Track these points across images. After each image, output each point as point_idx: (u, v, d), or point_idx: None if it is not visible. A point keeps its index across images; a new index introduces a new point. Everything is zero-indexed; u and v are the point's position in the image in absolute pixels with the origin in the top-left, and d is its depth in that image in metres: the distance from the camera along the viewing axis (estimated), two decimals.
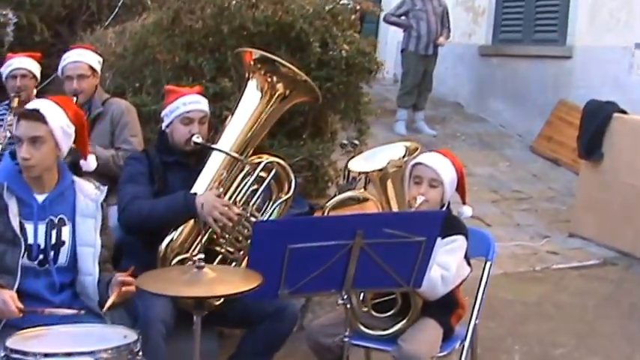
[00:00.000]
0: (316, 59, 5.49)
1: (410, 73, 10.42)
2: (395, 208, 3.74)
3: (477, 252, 4.12)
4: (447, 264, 3.75)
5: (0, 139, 4.99)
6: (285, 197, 4.26)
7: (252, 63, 4.31)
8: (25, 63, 5.30)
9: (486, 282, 4.13)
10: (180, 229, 4.11)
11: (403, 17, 10.40)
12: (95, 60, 5.10)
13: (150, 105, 5.41)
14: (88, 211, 3.61)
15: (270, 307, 4.08)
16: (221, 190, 4.11)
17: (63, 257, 3.57)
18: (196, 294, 3.02)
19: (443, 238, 3.75)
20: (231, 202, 4.11)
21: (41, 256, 3.53)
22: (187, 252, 4.13)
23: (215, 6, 5.34)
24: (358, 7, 5.71)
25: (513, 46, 11.01)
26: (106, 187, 3.75)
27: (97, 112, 5.03)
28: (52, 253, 3.55)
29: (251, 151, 4.31)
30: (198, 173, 4.21)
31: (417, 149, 3.88)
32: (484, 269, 4.14)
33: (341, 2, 5.67)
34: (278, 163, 4.29)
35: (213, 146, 4.16)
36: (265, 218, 4.16)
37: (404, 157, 3.77)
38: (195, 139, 4.16)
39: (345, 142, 5.76)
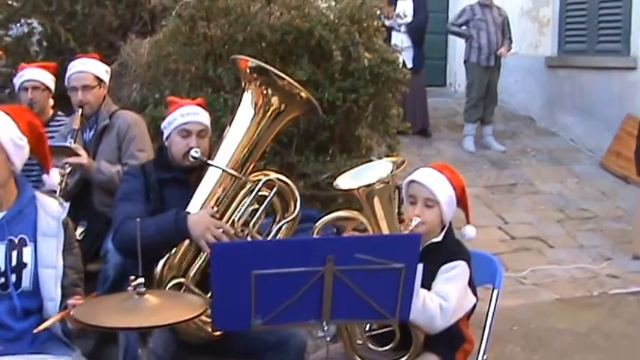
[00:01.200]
0: (339, 69, 5.15)
1: (474, 86, 9.99)
2: (385, 230, 3.37)
3: (482, 279, 3.72)
4: (445, 293, 3.36)
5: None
6: (290, 217, 3.94)
7: (247, 72, 4.00)
8: (37, 74, 5.11)
9: (493, 313, 3.72)
10: (175, 250, 3.83)
11: (464, 27, 9.97)
12: (101, 69, 4.88)
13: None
14: (49, 230, 3.37)
15: (273, 338, 3.80)
16: (215, 209, 3.81)
17: (26, 281, 3.34)
18: (130, 324, 2.73)
19: (442, 264, 3.42)
20: (229, 222, 3.82)
21: (2, 279, 3.30)
22: (184, 276, 3.85)
23: (229, 13, 5.05)
24: (378, 12, 5.33)
25: (578, 57, 10.45)
26: (68, 204, 3.50)
27: (104, 125, 4.82)
28: (13, 276, 3.31)
29: (251, 167, 3.99)
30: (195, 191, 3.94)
31: (404, 163, 3.50)
32: (491, 298, 3.73)
33: (363, 8, 5.30)
34: (281, 180, 3.97)
35: (210, 162, 3.87)
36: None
37: (392, 171, 3.40)
38: (193, 153, 3.89)
39: (373, 158, 5.40)
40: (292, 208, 3.97)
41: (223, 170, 3.85)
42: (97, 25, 8.04)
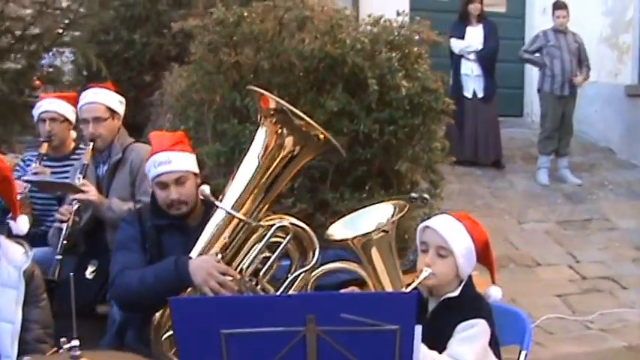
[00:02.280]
0: (376, 99, 4.73)
1: (548, 116, 9.39)
2: (387, 285, 2.94)
3: (509, 338, 3.25)
4: (460, 356, 2.92)
5: (19, 188, 4.54)
6: (308, 266, 3.55)
7: (263, 106, 3.63)
8: (55, 105, 4.85)
9: None
10: None
11: (537, 54, 9.41)
12: (114, 100, 4.58)
13: None
14: (9, 281, 3.09)
15: None
16: (220, 256, 3.45)
17: None
18: None
19: (458, 322, 2.96)
20: (237, 270, 3.46)
21: None
22: None
23: (254, 39, 4.70)
24: (417, 38, 4.89)
25: None
26: (32, 253, 3.17)
27: (116, 159, 4.53)
28: None
29: (263, 210, 3.62)
30: (199, 236, 3.59)
31: (405, 207, 3.06)
32: (518, 357, 3.24)
33: (402, 33, 4.87)
34: (297, 225, 3.58)
35: (217, 203, 3.49)
36: (280, 292, 3.46)
37: (392, 217, 2.97)
38: (202, 190, 3.50)
39: (414, 195, 4.94)
40: (310, 256, 3.58)
41: (228, 213, 3.49)
42: (155, 54, 7.93)
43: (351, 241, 2.90)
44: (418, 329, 2.62)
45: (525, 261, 7.43)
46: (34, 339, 3.10)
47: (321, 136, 3.54)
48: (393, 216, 2.98)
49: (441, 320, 3.05)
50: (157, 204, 3.70)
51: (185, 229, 3.67)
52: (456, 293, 3.07)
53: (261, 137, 3.59)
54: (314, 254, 3.58)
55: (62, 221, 4.21)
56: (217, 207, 3.50)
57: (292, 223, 3.58)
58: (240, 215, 3.49)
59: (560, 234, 8.22)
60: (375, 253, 2.89)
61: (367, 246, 2.90)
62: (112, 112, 4.56)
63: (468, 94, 9.45)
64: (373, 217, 3.00)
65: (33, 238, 4.52)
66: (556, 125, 9.32)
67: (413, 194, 4.94)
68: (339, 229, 3.02)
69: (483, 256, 3.14)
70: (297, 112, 3.54)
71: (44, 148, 4.80)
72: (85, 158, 4.46)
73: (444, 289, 3.08)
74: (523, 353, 3.25)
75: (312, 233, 3.62)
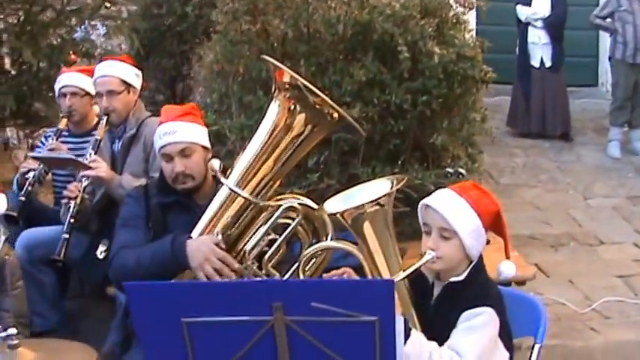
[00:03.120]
0: (408, 67, 4.41)
1: (619, 85, 8.85)
2: (382, 267, 2.64)
3: (522, 329, 2.91)
4: (461, 348, 2.61)
5: (32, 165, 4.39)
6: (312, 248, 3.25)
7: (277, 78, 3.34)
8: (75, 79, 4.66)
9: None
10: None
11: (609, 20, 8.86)
12: (129, 73, 4.36)
13: (213, 124, 4.56)
14: None
15: None
16: (220, 237, 3.19)
17: None
18: None
19: (464, 310, 2.65)
20: (240, 253, 3.21)
21: None
22: None
23: (278, 7, 4.42)
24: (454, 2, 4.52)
25: None
26: (2, 238, 2.99)
27: (130, 134, 4.32)
28: None
29: (273, 188, 3.33)
30: None
31: (403, 180, 2.75)
32: (531, 355, 2.90)
33: None
34: (307, 205, 3.28)
35: (223, 180, 3.22)
36: (286, 278, 3.14)
37: (387, 192, 2.64)
38: (212, 165, 3.24)
39: (449, 170, 4.61)
40: (324, 239, 3.31)
41: (232, 190, 3.23)
42: (207, 26, 7.76)
43: (341, 214, 2.60)
44: (400, 321, 2.33)
45: (588, 239, 6.95)
46: (4, 328, 2.92)
47: (336, 115, 3.25)
48: (391, 188, 2.65)
49: (444, 307, 2.76)
50: (165, 180, 3.47)
51: (192, 208, 3.43)
52: (462, 277, 2.76)
53: (273, 112, 3.31)
54: (327, 238, 3.32)
55: (70, 198, 4.04)
56: (223, 184, 3.25)
57: (302, 204, 3.28)
58: (244, 193, 3.22)
59: (629, 210, 7.69)
60: (367, 228, 2.58)
61: (359, 220, 2.58)
62: (127, 86, 4.35)
63: (536, 63, 8.99)
64: (371, 192, 2.70)
65: (55, 217, 4.41)
66: (628, 95, 8.78)
67: (448, 169, 4.62)
68: (334, 204, 2.74)
69: (494, 228, 2.82)
70: (313, 88, 3.24)
71: (62, 124, 4.63)
72: (99, 133, 4.28)
73: (452, 273, 2.78)
74: (537, 346, 2.90)
75: (325, 214, 3.35)
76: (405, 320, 2.59)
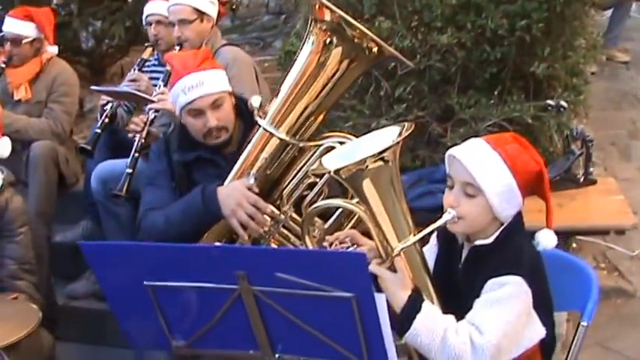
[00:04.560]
0: None
1: None
2: (388, 230, 2.24)
3: (567, 301, 2.45)
4: (482, 323, 2.21)
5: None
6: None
7: (314, 10, 2.97)
8: (160, 7, 4.40)
9: (574, 353, 2.42)
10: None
11: None
12: (203, 1, 4.08)
13: None
14: None
15: None
16: (252, 180, 2.90)
17: None
18: None
19: (489, 278, 2.24)
20: (277, 198, 2.94)
21: None
22: None
23: None
24: None
25: None
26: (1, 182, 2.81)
27: None
28: None
29: (313, 127, 3.01)
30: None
31: (411, 127, 2.30)
32: (574, 336, 2.44)
33: None
34: None
35: (260, 122, 2.91)
36: (327, 227, 2.80)
37: (392, 144, 2.20)
38: (253, 102, 2.94)
39: (550, 102, 4.05)
40: None
41: (265, 130, 2.93)
42: None
43: (335, 172, 2.21)
44: (381, 299, 1.97)
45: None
46: (8, 275, 2.80)
47: (375, 49, 2.85)
48: (396, 139, 2.22)
49: (470, 273, 2.35)
50: (186, 136, 3.16)
51: (218, 161, 3.11)
52: (489, 241, 2.33)
53: (308, 46, 2.96)
54: None
55: (136, 132, 3.85)
56: (257, 124, 2.95)
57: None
58: (279, 133, 2.91)
59: None
60: (368, 188, 2.18)
61: (357, 179, 2.18)
62: (200, 14, 4.09)
63: None
64: (375, 144, 2.29)
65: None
66: None
67: (549, 101, 4.07)
68: (334, 159, 2.35)
69: (535, 191, 2.37)
70: (351, 20, 2.86)
71: (146, 54, 4.45)
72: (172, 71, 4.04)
73: (479, 235, 2.36)
74: (583, 325, 2.43)
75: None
76: (413, 295, 2.24)
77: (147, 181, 3.23)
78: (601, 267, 4.68)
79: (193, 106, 3.06)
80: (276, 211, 2.89)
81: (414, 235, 2.27)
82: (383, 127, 4.05)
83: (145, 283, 2.05)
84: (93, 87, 4.43)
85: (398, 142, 2.23)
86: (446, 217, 2.30)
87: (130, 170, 3.73)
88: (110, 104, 4.16)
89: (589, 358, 3.74)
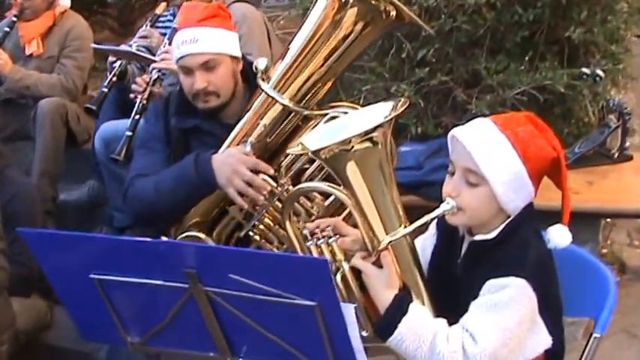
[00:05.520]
0: None
1: None
2: (375, 221, 1.89)
3: (579, 308, 2.09)
4: (476, 329, 1.88)
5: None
6: None
7: None
8: None
9: None
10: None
11: None
12: None
13: None
14: None
15: None
16: (249, 148, 2.59)
17: None
18: None
19: (489, 278, 1.90)
20: (275, 171, 2.61)
21: None
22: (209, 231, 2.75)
23: None
24: None
25: None
26: None
27: None
28: None
29: (317, 96, 2.69)
30: None
31: (406, 104, 1.93)
32: (587, 344, 2.08)
33: None
34: None
35: (262, 85, 2.59)
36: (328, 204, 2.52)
37: (382, 122, 1.84)
38: (258, 64, 2.62)
39: (585, 70, 3.62)
40: None
41: (267, 94, 2.61)
42: None
43: (314, 153, 1.86)
44: (349, 309, 1.64)
45: None
46: None
47: (393, 12, 2.51)
48: (388, 117, 1.85)
49: (469, 271, 2.01)
50: (185, 100, 2.84)
51: (216, 131, 2.79)
52: (491, 235, 1.98)
53: (320, 5, 2.62)
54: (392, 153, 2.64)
55: (137, 93, 3.54)
56: (259, 88, 2.62)
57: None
58: (282, 99, 2.60)
59: None
60: (352, 172, 1.82)
61: (340, 161, 1.84)
62: None
63: None
64: (365, 121, 1.94)
65: None
66: None
67: (584, 69, 3.66)
68: (316, 139, 2.00)
69: (551, 179, 2.00)
70: None
71: (160, 9, 4.11)
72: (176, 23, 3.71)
73: (481, 229, 2.01)
74: (595, 336, 2.06)
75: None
76: (400, 295, 1.92)
77: (140, 143, 2.95)
78: (635, 244, 4.29)
79: (183, 63, 2.75)
80: (273, 183, 2.57)
81: (405, 227, 1.93)
82: (403, 91, 3.79)
83: (90, 276, 1.75)
84: (93, 45, 4.13)
85: (388, 121, 1.87)
86: (443, 207, 1.95)
87: (129, 133, 3.45)
88: (119, 62, 3.86)
89: (612, 345, 3.41)
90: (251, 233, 2.67)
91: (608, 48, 3.73)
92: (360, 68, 3.96)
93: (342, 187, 1.97)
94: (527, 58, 3.70)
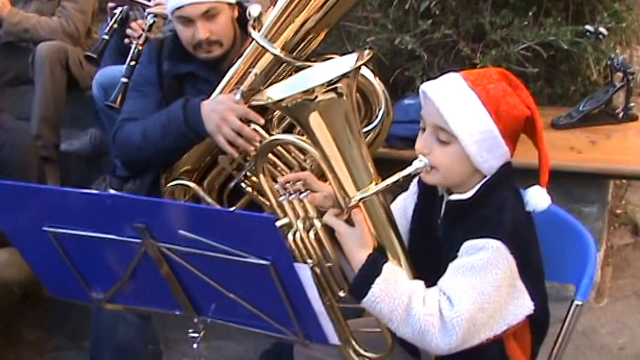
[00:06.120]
0: None
1: None
2: (343, 177, 1.78)
3: (562, 273, 1.97)
4: (453, 292, 1.76)
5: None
6: (372, 125, 2.54)
7: None
8: None
9: (566, 335, 1.95)
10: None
11: None
12: None
13: None
14: None
15: None
16: (239, 96, 2.47)
17: None
18: None
19: (466, 239, 1.78)
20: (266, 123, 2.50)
21: None
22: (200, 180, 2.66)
23: None
24: None
25: None
26: None
27: None
28: None
29: (310, 46, 2.55)
30: None
31: (369, 56, 1.79)
32: (567, 315, 1.96)
33: None
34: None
35: (254, 35, 2.46)
36: None
37: (346, 72, 1.70)
38: (251, 11, 2.50)
39: (588, 28, 3.45)
40: (376, 109, 2.55)
41: (258, 43, 2.48)
42: None
43: (275, 104, 1.73)
44: (304, 270, 1.54)
45: None
46: None
47: None
48: (353, 66, 1.72)
49: (448, 231, 1.89)
50: (179, 45, 2.71)
51: (213, 79, 2.65)
52: (466, 196, 1.86)
53: None
54: (379, 105, 2.53)
55: (133, 38, 3.42)
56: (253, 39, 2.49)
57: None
58: (272, 48, 2.47)
59: None
60: (316, 122, 1.68)
61: (303, 111, 1.71)
62: None
63: None
64: (330, 73, 1.81)
65: None
66: None
67: (588, 26, 3.49)
68: (280, 90, 1.88)
69: (532, 136, 1.86)
70: None
71: None
72: None
73: (459, 189, 1.89)
74: (577, 304, 1.94)
75: (376, 81, 2.52)
76: (373, 255, 1.80)
77: (132, 85, 2.86)
78: None
79: (182, 13, 2.62)
80: (264, 134, 2.46)
81: (377, 184, 1.82)
82: (407, 43, 3.64)
83: (44, 229, 1.66)
84: None
85: (352, 72, 1.74)
86: (416, 164, 1.82)
87: (125, 80, 3.33)
88: (120, 8, 3.73)
89: (622, 308, 3.32)
90: (243, 185, 2.58)
91: (611, 6, 3.56)
92: (365, 19, 3.83)
93: (307, 141, 1.85)
94: (531, 14, 3.55)
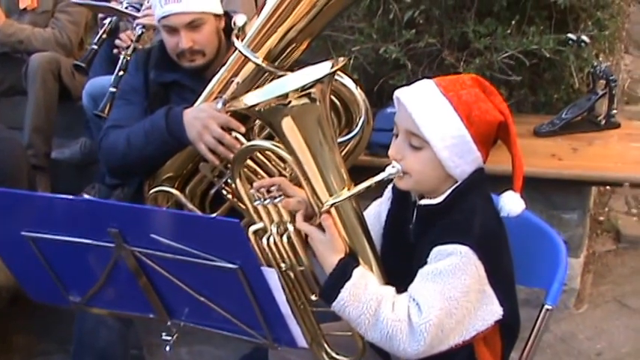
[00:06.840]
0: None
1: None
2: (316, 183, 1.79)
3: (532, 277, 1.98)
4: (421, 298, 1.77)
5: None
6: (353, 134, 2.53)
7: None
8: None
9: (536, 340, 1.95)
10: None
11: None
12: None
13: None
14: None
15: None
16: (221, 105, 2.47)
17: None
18: None
19: (436, 244, 1.79)
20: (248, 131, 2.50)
21: None
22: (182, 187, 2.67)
23: None
24: None
25: None
26: None
27: None
28: None
29: (292, 56, 2.54)
30: None
31: (343, 62, 1.80)
32: (537, 319, 1.97)
33: None
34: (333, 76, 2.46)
35: (234, 39, 2.46)
36: None
37: (320, 77, 1.71)
38: (237, 21, 2.51)
39: (571, 36, 3.46)
40: (357, 117, 2.54)
41: (241, 52, 2.49)
42: None
43: (248, 109, 1.74)
44: (271, 274, 1.55)
45: None
46: None
47: None
48: (328, 73, 1.73)
49: (420, 237, 1.89)
50: (166, 54, 2.73)
51: (198, 88, 2.64)
52: (437, 201, 1.87)
53: None
54: (360, 114, 2.53)
55: (121, 48, 3.43)
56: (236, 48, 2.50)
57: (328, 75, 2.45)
58: (254, 58, 2.47)
59: None
60: (289, 127, 1.69)
61: (276, 115, 1.71)
62: None
63: None
64: (305, 79, 1.82)
65: None
66: None
67: (570, 35, 3.50)
68: (256, 97, 1.89)
69: (506, 140, 1.86)
70: None
71: None
72: None
73: (432, 194, 1.90)
74: (547, 308, 1.94)
75: (357, 91, 2.52)
76: (344, 260, 1.80)
77: (119, 94, 2.85)
78: (632, 212, 4.16)
79: (167, 22, 2.63)
80: (245, 142, 2.46)
81: (350, 189, 1.83)
82: (392, 53, 3.66)
83: (22, 233, 1.67)
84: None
85: (326, 78, 1.75)
86: (389, 170, 1.83)
87: (113, 89, 3.33)
88: (110, 18, 3.75)
89: (603, 314, 3.32)
90: (224, 192, 2.59)
91: (594, 14, 3.57)
92: (350, 29, 3.84)
93: (281, 147, 1.86)
94: (514, 22, 3.56)
